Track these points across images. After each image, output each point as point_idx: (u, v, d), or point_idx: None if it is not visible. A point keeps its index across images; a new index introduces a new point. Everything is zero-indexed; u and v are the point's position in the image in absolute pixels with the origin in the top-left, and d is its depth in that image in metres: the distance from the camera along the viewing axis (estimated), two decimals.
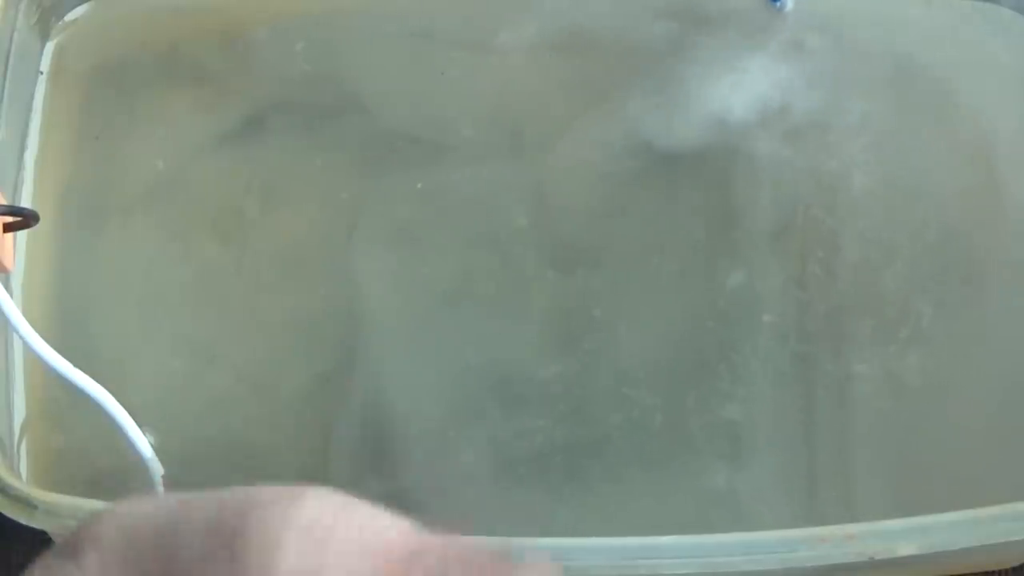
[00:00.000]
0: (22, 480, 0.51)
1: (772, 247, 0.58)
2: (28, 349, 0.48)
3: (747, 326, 0.57)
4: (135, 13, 0.63)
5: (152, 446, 0.51)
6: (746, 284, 0.57)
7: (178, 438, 0.54)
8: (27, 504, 0.47)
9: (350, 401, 0.56)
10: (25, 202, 0.58)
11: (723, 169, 0.59)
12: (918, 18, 0.63)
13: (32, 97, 0.60)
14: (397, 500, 0.54)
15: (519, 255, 0.58)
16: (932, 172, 0.60)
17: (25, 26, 0.59)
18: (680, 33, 0.62)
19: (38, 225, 0.49)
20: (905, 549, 0.46)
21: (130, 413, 0.49)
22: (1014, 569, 0.56)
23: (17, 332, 0.47)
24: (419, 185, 0.59)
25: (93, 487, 0.53)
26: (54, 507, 0.47)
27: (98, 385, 0.48)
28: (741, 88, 0.60)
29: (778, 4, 0.62)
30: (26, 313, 0.48)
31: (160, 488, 0.51)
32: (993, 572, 0.56)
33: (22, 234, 0.54)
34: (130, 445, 0.50)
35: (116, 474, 0.53)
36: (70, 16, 0.62)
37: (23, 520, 0.47)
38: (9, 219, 0.47)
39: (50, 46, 0.62)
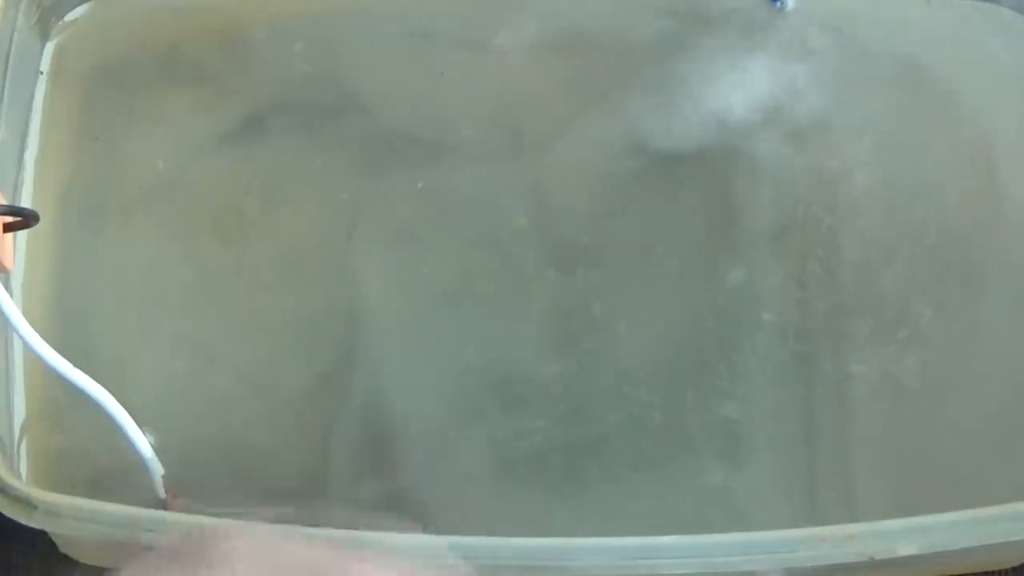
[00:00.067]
0: (22, 480, 0.51)
1: (772, 247, 0.58)
2: (28, 349, 0.48)
3: (747, 325, 0.57)
4: (135, 13, 0.63)
5: (152, 446, 0.51)
6: (746, 283, 0.57)
7: (178, 438, 0.54)
8: (27, 504, 0.47)
9: (350, 401, 0.56)
10: (25, 202, 0.58)
11: (723, 169, 0.59)
12: (918, 18, 0.63)
13: (32, 97, 0.60)
14: (397, 500, 0.54)
15: (519, 255, 0.58)
16: (932, 172, 0.60)
17: (25, 26, 0.59)
18: (680, 33, 0.62)
19: (38, 225, 0.49)
20: (905, 549, 0.46)
21: (130, 413, 0.49)
22: (1014, 569, 0.56)
23: (17, 332, 0.47)
24: (420, 184, 0.59)
25: (93, 487, 0.53)
26: (54, 507, 0.47)
27: (98, 385, 0.48)
28: (741, 88, 0.60)
29: (778, 4, 0.62)
30: (26, 313, 0.48)
31: (160, 488, 0.51)
32: (993, 572, 0.56)
33: (22, 234, 0.54)
34: (130, 445, 0.50)
35: (116, 474, 0.53)
36: (70, 16, 0.62)
37: (23, 520, 0.47)
38: (9, 219, 0.47)
39: (50, 46, 0.62)
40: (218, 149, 0.60)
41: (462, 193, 0.59)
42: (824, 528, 0.47)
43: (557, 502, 0.54)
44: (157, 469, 0.51)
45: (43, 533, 0.51)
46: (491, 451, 0.55)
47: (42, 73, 0.61)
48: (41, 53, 0.61)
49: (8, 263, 0.48)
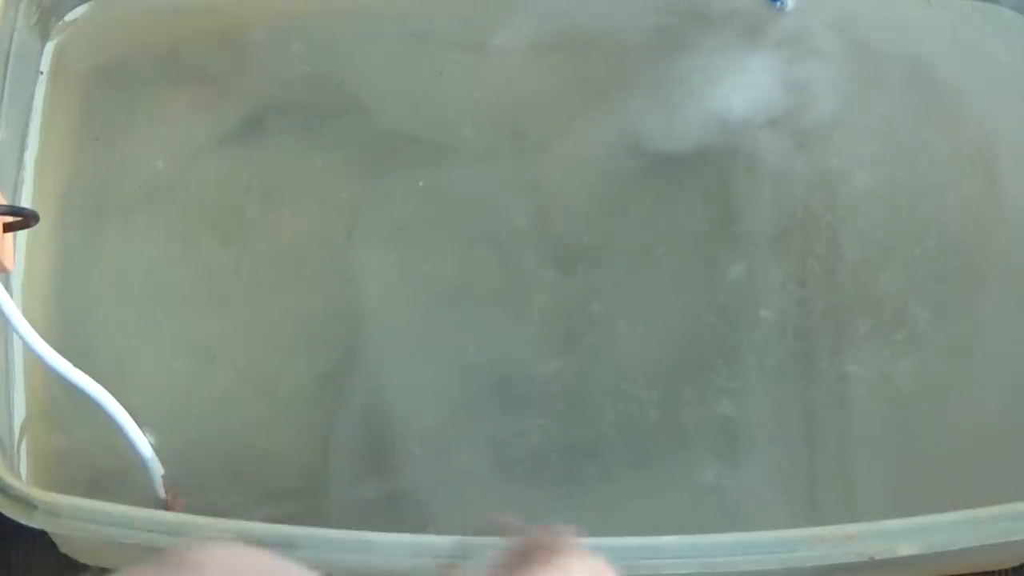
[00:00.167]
0: (22, 480, 0.51)
1: (772, 246, 0.58)
2: (28, 349, 0.48)
3: (746, 323, 0.57)
4: (135, 13, 0.63)
5: (152, 446, 0.51)
6: (746, 282, 0.57)
7: (178, 438, 0.54)
8: (27, 504, 0.47)
9: (350, 401, 0.56)
10: (25, 202, 0.58)
11: (723, 168, 0.59)
12: (918, 18, 0.63)
13: (32, 97, 0.60)
14: (397, 500, 0.54)
15: (519, 254, 0.58)
16: (932, 171, 0.60)
17: (25, 26, 0.59)
18: (680, 33, 0.62)
19: (38, 225, 0.49)
20: (905, 549, 0.46)
21: (130, 413, 0.49)
22: (1014, 569, 0.56)
23: (17, 332, 0.47)
24: (421, 183, 0.59)
25: (93, 487, 0.53)
26: (54, 507, 0.47)
27: (98, 385, 0.48)
28: (741, 88, 0.60)
29: (778, 4, 0.62)
30: (26, 313, 0.48)
31: (160, 488, 0.51)
32: (993, 572, 0.56)
33: (22, 234, 0.54)
34: (130, 445, 0.50)
35: (116, 474, 0.53)
36: (70, 16, 0.62)
37: (23, 520, 0.47)
38: (9, 219, 0.47)
39: (50, 46, 0.62)
40: (218, 149, 0.60)
41: (462, 193, 0.59)
42: (824, 528, 0.47)
43: (556, 501, 0.54)
44: (157, 469, 0.51)
45: (43, 533, 0.51)
46: (491, 451, 0.55)
47: (42, 73, 0.61)
48: (41, 53, 0.61)
49: (8, 263, 0.48)
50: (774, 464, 0.55)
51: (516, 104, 0.61)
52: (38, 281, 0.58)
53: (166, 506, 0.51)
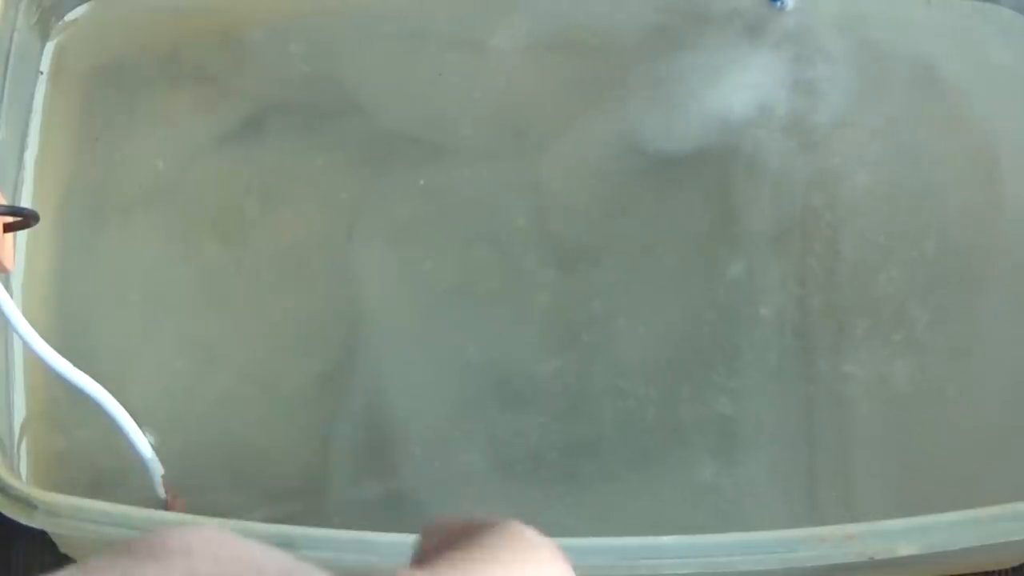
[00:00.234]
0: (22, 480, 0.51)
1: (772, 246, 0.58)
2: (28, 349, 0.48)
3: (746, 322, 0.57)
4: (135, 13, 0.63)
5: (152, 446, 0.51)
6: (746, 281, 0.57)
7: (178, 438, 0.54)
8: (27, 504, 0.47)
9: (350, 401, 0.56)
10: (25, 202, 0.58)
11: (723, 168, 0.59)
12: (919, 18, 0.63)
13: (32, 97, 0.60)
14: (397, 500, 0.54)
15: (519, 254, 0.58)
16: (932, 171, 0.60)
17: (25, 26, 0.59)
18: (680, 33, 0.62)
19: (38, 225, 0.49)
20: (905, 549, 0.46)
21: (130, 413, 0.49)
22: (1014, 569, 0.56)
23: (17, 332, 0.47)
24: (422, 182, 0.59)
25: (93, 487, 0.53)
26: (54, 507, 0.47)
27: (98, 385, 0.48)
28: (741, 87, 0.60)
29: (778, 4, 0.62)
30: (26, 313, 0.48)
31: (160, 488, 0.51)
32: (993, 572, 0.56)
33: (22, 234, 0.54)
34: (130, 445, 0.50)
35: (116, 474, 0.53)
36: (70, 16, 0.62)
37: (23, 520, 0.47)
38: (9, 219, 0.47)
39: (50, 46, 0.62)
40: (218, 149, 0.60)
41: (462, 193, 0.59)
42: (824, 528, 0.47)
43: (555, 500, 0.54)
44: (157, 469, 0.51)
45: (43, 533, 0.51)
46: (490, 450, 0.55)
47: (42, 73, 0.61)
48: (41, 53, 0.61)
49: (8, 263, 0.48)
50: (774, 464, 0.55)
51: (516, 104, 0.61)
52: (38, 281, 0.58)
53: (166, 506, 0.51)
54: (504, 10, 0.62)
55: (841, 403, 0.56)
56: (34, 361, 0.50)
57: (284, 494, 0.55)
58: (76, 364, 0.48)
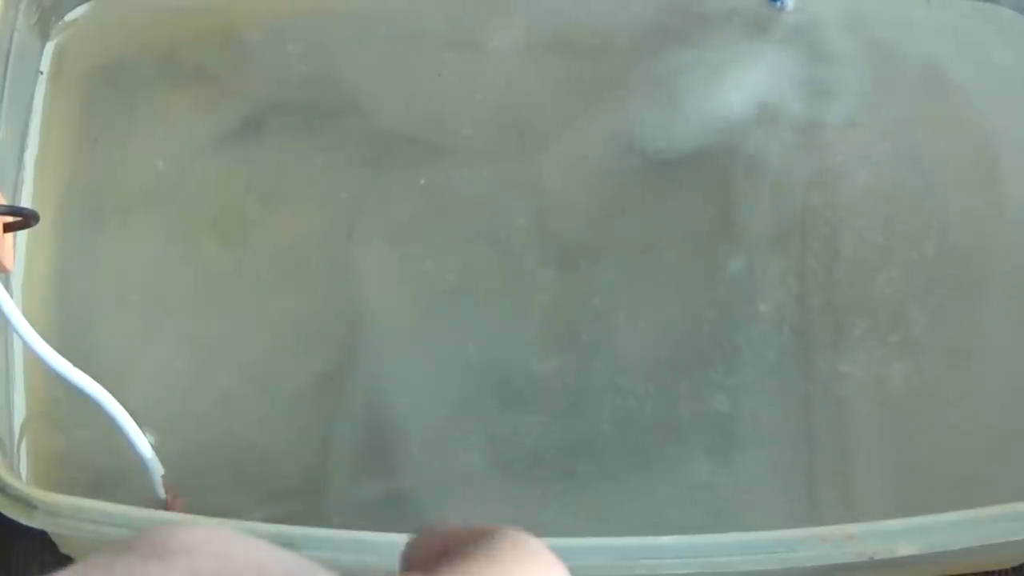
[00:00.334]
0: (22, 480, 0.51)
1: (771, 246, 0.58)
2: (28, 349, 0.48)
3: (745, 321, 0.57)
4: (135, 13, 0.63)
5: (152, 446, 0.51)
6: (746, 281, 0.57)
7: (178, 438, 0.54)
8: (27, 504, 0.47)
9: (350, 401, 0.56)
10: (25, 202, 0.58)
11: (723, 168, 0.59)
12: (919, 18, 0.63)
13: (32, 97, 0.60)
14: (397, 500, 0.54)
15: (519, 253, 0.58)
16: (932, 172, 0.60)
17: (25, 26, 0.59)
18: (680, 32, 0.62)
19: (38, 225, 0.49)
20: (905, 549, 0.46)
21: (130, 413, 0.49)
22: (1014, 569, 0.56)
23: (17, 332, 0.47)
24: (422, 182, 0.59)
25: (93, 487, 0.53)
26: (54, 507, 0.47)
27: (98, 385, 0.48)
28: (740, 87, 0.60)
29: (778, 4, 0.62)
30: (26, 313, 0.48)
31: (160, 488, 0.51)
32: (993, 572, 0.56)
33: (22, 234, 0.54)
34: (130, 445, 0.50)
35: (116, 474, 0.53)
36: (70, 16, 0.62)
37: (23, 520, 0.47)
38: (9, 219, 0.47)
39: (50, 46, 0.62)
40: (218, 149, 0.60)
41: (462, 193, 0.59)
42: (824, 528, 0.47)
43: (554, 500, 0.54)
44: (157, 469, 0.51)
45: (43, 533, 0.51)
46: (490, 449, 0.55)
47: (42, 73, 0.61)
48: (41, 53, 0.61)
49: (8, 263, 0.48)
50: (773, 463, 0.55)
51: (516, 103, 0.61)
52: (38, 281, 0.58)
53: (166, 506, 0.51)
54: (503, 10, 0.62)
55: (841, 402, 0.56)
56: (34, 361, 0.50)
57: (284, 494, 0.55)
58: (76, 364, 0.48)
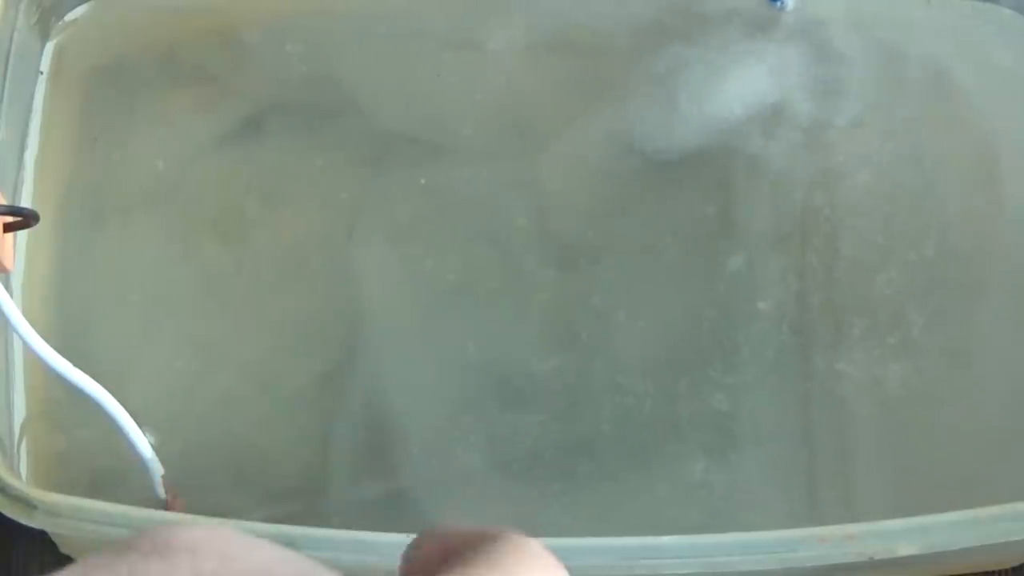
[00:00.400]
0: (22, 480, 0.51)
1: (771, 246, 0.58)
2: (28, 349, 0.48)
3: (746, 321, 0.57)
4: (135, 13, 0.63)
5: (152, 446, 0.51)
6: (746, 279, 0.57)
7: (178, 438, 0.54)
8: (27, 504, 0.47)
9: (350, 401, 0.56)
10: (25, 202, 0.58)
11: (722, 167, 0.59)
12: (918, 18, 0.63)
13: (32, 97, 0.60)
14: (397, 500, 0.54)
15: (519, 253, 0.58)
16: (932, 172, 0.60)
17: (25, 26, 0.59)
18: (680, 32, 0.62)
19: (38, 225, 0.49)
20: (905, 549, 0.46)
21: (130, 413, 0.49)
22: (1014, 569, 0.56)
23: (17, 332, 0.47)
24: (423, 181, 0.59)
25: (93, 487, 0.53)
26: (54, 507, 0.47)
27: (98, 385, 0.48)
28: (740, 87, 0.60)
29: (778, 4, 0.62)
30: (26, 313, 0.48)
31: (160, 488, 0.51)
32: (993, 572, 0.56)
33: (22, 234, 0.54)
34: (130, 445, 0.50)
35: (116, 474, 0.53)
36: (70, 16, 0.62)
37: (23, 520, 0.47)
38: (9, 219, 0.47)
39: (50, 46, 0.62)
40: (218, 149, 0.60)
41: (461, 192, 0.59)
42: (824, 528, 0.47)
43: (554, 500, 0.54)
44: (157, 469, 0.51)
45: (43, 533, 0.51)
46: (490, 449, 0.55)
47: (42, 73, 0.61)
48: (41, 53, 0.61)
49: (8, 263, 0.48)
50: (773, 463, 0.55)
51: (516, 103, 0.61)
52: (38, 281, 0.58)
53: (166, 506, 0.51)
54: (503, 10, 0.62)
55: (841, 402, 0.56)
56: (34, 361, 0.50)
57: (284, 494, 0.55)
58: (76, 364, 0.48)
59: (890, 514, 0.47)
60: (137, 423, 0.49)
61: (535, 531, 0.28)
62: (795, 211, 0.59)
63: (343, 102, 0.61)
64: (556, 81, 0.61)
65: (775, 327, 0.57)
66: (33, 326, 0.47)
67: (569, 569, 0.28)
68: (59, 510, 0.47)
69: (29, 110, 0.60)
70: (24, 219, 0.48)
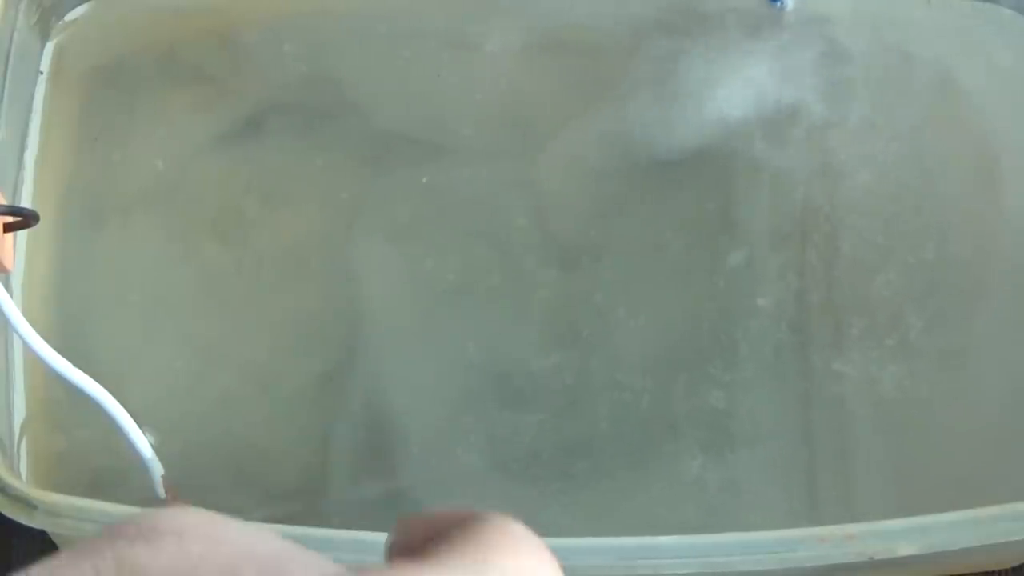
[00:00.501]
0: (22, 480, 0.51)
1: (771, 246, 0.58)
2: (28, 349, 0.48)
3: (745, 319, 0.57)
4: (135, 13, 0.63)
5: (152, 446, 0.51)
6: (745, 278, 0.57)
7: (178, 438, 0.54)
8: (27, 504, 0.47)
9: (350, 401, 0.56)
10: (25, 202, 0.58)
11: (722, 167, 0.59)
12: (918, 18, 0.63)
13: (32, 97, 0.60)
14: (397, 500, 0.54)
15: (519, 253, 0.58)
16: (932, 173, 0.60)
17: (25, 26, 0.59)
18: (679, 32, 0.62)
19: (38, 225, 0.49)
20: (905, 549, 0.46)
21: (130, 413, 0.49)
22: (1014, 569, 0.56)
23: (17, 332, 0.47)
24: (424, 180, 0.59)
25: (93, 487, 0.53)
26: (54, 507, 0.47)
27: (98, 385, 0.48)
28: (740, 87, 0.60)
29: (778, 4, 0.62)
30: (26, 313, 0.48)
31: (160, 488, 0.51)
32: (993, 572, 0.56)
33: (22, 234, 0.54)
34: (130, 445, 0.50)
35: (116, 474, 0.53)
36: (70, 16, 0.62)
37: (23, 520, 0.47)
38: (9, 219, 0.47)
39: (50, 46, 0.62)
40: (218, 149, 0.60)
41: (461, 192, 0.59)
42: (824, 528, 0.47)
43: (553, 499, 0.54)
44: (157, 469, 0.51)
45: (43, 533, 0.51)
46: (490, 449, 0.55)
47: (42, 73, 0.61)
48: (41, 53, 0.61)
49: (8, 263, 0.48)
50: (773, 462, 0.55)
51: (515, 103, 0.61)
52: (38, 281, 0.58)
53: (166, 506, 0.51)
54: (503, 10, 0.62)
55: (840, 401, 0.56)
56: (34, 361, 0.50)
57: (284, 494, 0.55)
58: (76, 364, 0.48)
59: (890, 514, 0.47)
60: (137, 423, 0.49)
61: (535, 531, 0.28)
62: (795, 211, 0.59)
63: (343, 102, 0.61)
64: (556, 81, 0.61)
65: (774, 326, 0.57)
66: (33, 326, 0.47)
67: (568, 569, 0.28)
68: (59, 510, 0.47)
69: (29, 110, 0.60)
70: (24, 219, 0.48)
